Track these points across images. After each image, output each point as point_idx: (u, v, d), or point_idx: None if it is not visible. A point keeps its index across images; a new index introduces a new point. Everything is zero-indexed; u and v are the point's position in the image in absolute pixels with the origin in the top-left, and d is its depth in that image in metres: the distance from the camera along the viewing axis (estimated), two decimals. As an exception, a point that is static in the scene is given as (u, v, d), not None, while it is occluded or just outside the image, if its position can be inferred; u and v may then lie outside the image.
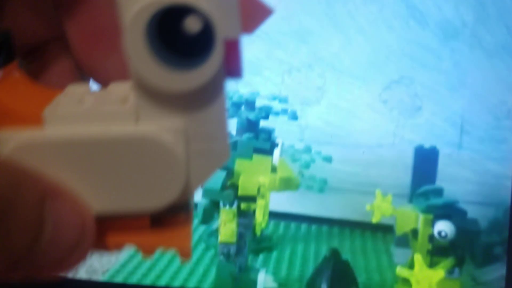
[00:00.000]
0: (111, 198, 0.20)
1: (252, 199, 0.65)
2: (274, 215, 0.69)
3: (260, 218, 0.64)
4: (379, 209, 0.66)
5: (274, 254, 0.71)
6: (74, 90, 0.21)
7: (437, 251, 0.65)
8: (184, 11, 0.18)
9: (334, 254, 0.65)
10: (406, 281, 0.64)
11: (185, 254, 0.21)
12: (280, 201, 0.70)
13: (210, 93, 0.19)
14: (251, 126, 0.69)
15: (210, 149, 0.20)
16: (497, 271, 0.68)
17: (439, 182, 0.70)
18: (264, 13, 0.19)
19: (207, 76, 0.18)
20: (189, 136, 0.20)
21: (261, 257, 0.70)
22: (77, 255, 0.20)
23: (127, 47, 0.18)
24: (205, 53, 0.18)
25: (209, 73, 0.18)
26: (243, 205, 0.65)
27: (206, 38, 0.18)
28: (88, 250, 0.20)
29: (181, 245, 0.21)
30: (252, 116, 0.69)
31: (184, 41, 0.18)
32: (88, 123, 0.19)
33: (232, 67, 0.20)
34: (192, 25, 0.18)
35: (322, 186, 0.72)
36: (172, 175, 0.20)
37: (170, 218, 0.21)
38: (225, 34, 0.18)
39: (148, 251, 0.21)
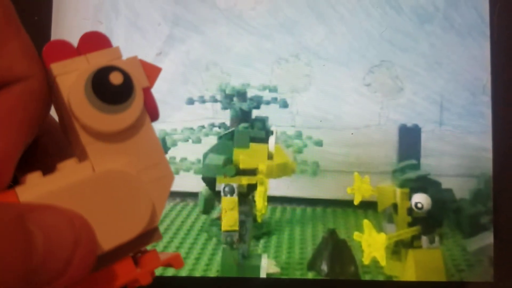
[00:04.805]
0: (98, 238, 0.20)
1: (251, 186, 0.58)
2: (270, 200, 0.63)
3: (260, 205, 0.57)
4: (359, 191, 0.61)
5: (274, 239, 0.65)
6: (30, 176, 0.21)
7: (417, 223, 0.60)
8: (110, 71, 0.21)
9: (332, 235, 0.60)
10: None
11: (178, 264, 0.23)
12: (275, 186, 0.64)
13: (140, 129, 0.22)
14: (244, 116, 0.64)
15: (157, 175, 0.22)
16: (485, 240, 0.63)
17: (423, 158, 0.66)
18: (157, 70, 0.22)
19: (138, 112, 0.21)
20: (136, 169, 0.21)
21: (261, 242, 0.64)
22: (79, 260, 0.18)
23: (73, 104, 0.20)
24: (130, 98, 0.21)
25: (138, 110, 0.21)
26: (243, 193, 0.58)
27: (127, 89, 0.21)
28: (89, 256, 0.19)
29: (170, 260, 0.23)
30: (244, 106, 0.63)
31: (114, 94, 0.21)
32: (58, 182, 0.20)
33: (150, 108, 0.22)
34: (116, 78, 0.20)
35: (315, 169, 0.66)
36: (140, 200, 0.21)
37: (142, 252, 0.22)
38: (139, 83, 0.21)
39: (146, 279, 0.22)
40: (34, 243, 0.17)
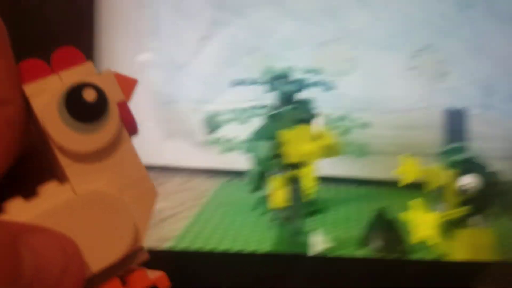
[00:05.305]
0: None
1: (298, 166, 0.58)
2: (319, 180, 0.63)
3: (307, 185, 0.57)
4: (407, 172, 0.60)
5: (324, 217, 0.64)
6: (11, 202, 0.20)
7: (465, 203, 0.59)
8: (82, 88, 0.20)
9: (381, 214, 0.59)
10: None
11: (162, 285, 0.21)
12: (322, 166, 0.63)
13: (119, 145, 0.21)
14: (288, 98, 0.63)
15: (139, 192, 0.21)
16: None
17: (470, 141, 0.65)
18: (132, 83, 0.21)
19: (114, 128, 0.20)
20: (117, 187, 0.21)
21: (312, 220, 0.63)
22: (68, 282, 0.18)
23: (47, 125, 0.19)
24: (105, 115, 0.20)
25: (114, 126, 0.20)
26: (291, 172, 0.58)
27: (101, 105, 0.20)
28: (77, 284, 0.18)
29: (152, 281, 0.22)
30: (288, 89, 0.63)
31: (88, 112, 0.20)
32: (40, 206, 0.19)
33: (127, 123, 0.21)
34: (89, 95, 0.20)
35: (361, 151, 0.65)
36: (122, 221, 0.20)
37: (129, 270, 0.21)
38: (114, 98, 0.20)
39: None
40: (23, 266, 0.16)
